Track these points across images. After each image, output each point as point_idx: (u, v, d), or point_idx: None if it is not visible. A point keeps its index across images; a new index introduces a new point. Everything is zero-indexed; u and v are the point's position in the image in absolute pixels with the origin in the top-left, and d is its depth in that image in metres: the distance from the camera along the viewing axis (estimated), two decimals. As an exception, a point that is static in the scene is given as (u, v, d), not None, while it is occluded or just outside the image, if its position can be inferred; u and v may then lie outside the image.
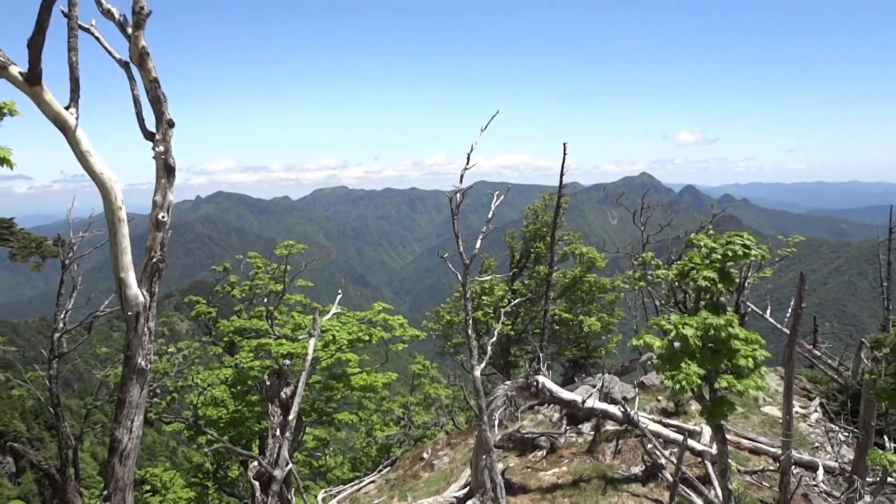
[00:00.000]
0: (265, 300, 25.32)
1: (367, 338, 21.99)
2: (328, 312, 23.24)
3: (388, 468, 22.21)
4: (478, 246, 12.15)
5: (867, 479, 12.40)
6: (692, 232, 22.55)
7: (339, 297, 23.56)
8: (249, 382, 22.44)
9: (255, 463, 15.24)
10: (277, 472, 13.75)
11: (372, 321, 23.26)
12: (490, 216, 12.23)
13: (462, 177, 11.87)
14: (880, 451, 10.87)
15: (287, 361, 20.04)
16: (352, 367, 23.10)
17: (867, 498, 11.26)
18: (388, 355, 24.91)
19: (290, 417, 14.30)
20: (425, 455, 20.45)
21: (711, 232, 21.86)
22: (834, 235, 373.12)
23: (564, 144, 25.38)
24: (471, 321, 12.94)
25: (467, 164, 11.80)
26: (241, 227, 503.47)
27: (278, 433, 15.01)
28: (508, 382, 15.84)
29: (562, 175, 26.25)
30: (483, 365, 13.00)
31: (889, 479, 11.06)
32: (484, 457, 13.41)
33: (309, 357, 16.07)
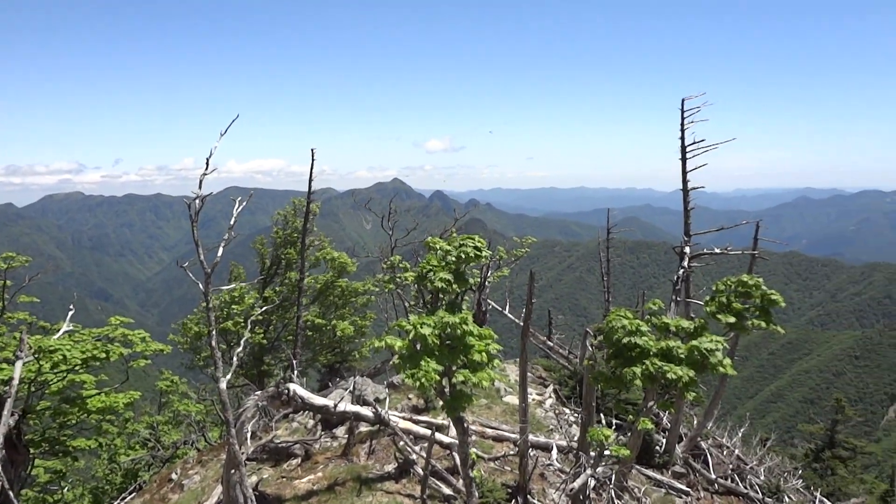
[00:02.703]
0: (-22, 321, 22.45)
1: (104, 355, 20.46)
2: (58, 330, 21.26)
3: (134, 494, 20.77)
4: (219, 254, 11.77)
5: (590, 454, 13.84)
6: (439, 235, 23.68)
7: (71, 313, 21.67)
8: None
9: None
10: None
11: (110, 337, 21.67)
12: (232, 223, 11.91)
13: (201, 182, 11.44)
14: (598, 428, 12.19)
15: (6, 388, 17.98)
16: (88, 389, 21.47)
17: (589, 470, 12.53)
18: (130, 373, 23.31)
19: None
20: (174, 476, 19.41)
21: (455, 235, 23.13)
22: (566, 237, 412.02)
23: (312, 150, 25.45)
24: (215, 332, 12.53)
25: (206, 169, 11.40)
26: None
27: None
28: (259, 392, 15.54)
29: (311, 180, 26.24)
30: (229, 376, 12.63)
31: (606, 451, 12.36)
32: (233, 471, 13.04)
33: (15, 381, 14.60)
